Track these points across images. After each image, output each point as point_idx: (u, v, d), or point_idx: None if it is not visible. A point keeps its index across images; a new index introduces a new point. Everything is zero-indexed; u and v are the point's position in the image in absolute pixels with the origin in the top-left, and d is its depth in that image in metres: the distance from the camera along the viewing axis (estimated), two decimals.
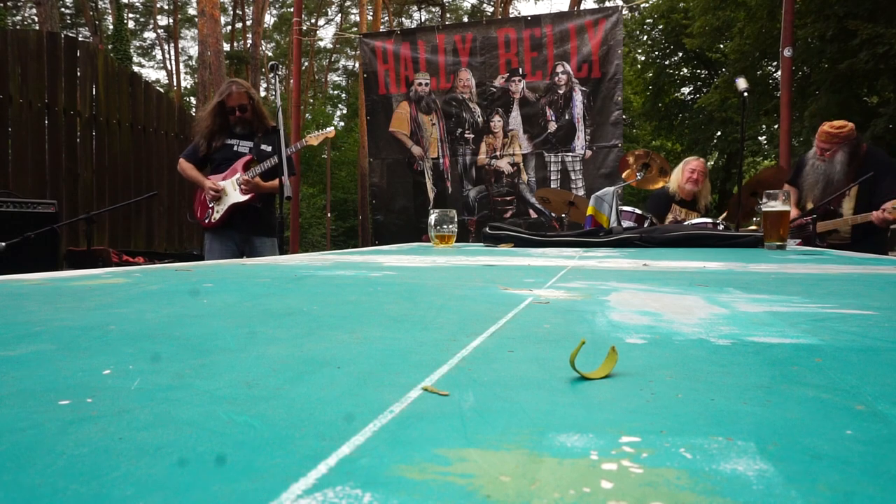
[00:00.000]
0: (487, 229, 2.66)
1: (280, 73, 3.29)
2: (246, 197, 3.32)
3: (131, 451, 0.25)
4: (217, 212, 3.38)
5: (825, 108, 10.64)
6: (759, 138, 17.11)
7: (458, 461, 0.25)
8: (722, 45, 15.64)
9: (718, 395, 0.35)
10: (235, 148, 3.43)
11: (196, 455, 0.25)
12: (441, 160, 6.01)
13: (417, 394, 0.34)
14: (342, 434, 0.28)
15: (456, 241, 2.76)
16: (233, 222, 3.39)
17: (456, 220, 2.63)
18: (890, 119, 10.17)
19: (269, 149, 3.40)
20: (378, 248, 2.77)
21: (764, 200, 2.44)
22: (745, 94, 3.63)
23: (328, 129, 3.62)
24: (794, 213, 3.42)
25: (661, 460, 0.25)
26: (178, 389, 0.35)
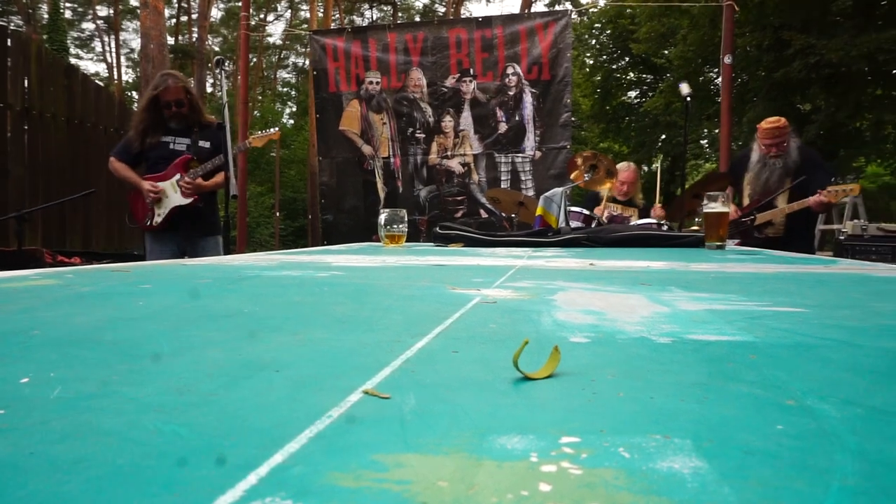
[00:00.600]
0: (438, 229, 2.66)
1: (226, 68, 3.20)
2: (189, 199, 3.21)
3: (43, 466, 0.24)
4: (158, 214, 3.25)
5: (762, 114, 11.09)
6: (702, 142, 17.73)
7: (395, 467, 0.24)
8: (667, 51, 16.13)
9: (658, 393, 0.36)
10: (172, 146, 3.29)
11: (115, 469, 0.23)
12: (392, 159, 5.97)
13: (358, 397, 0.34)
14: (276, 441, 0.26)
15: (407, 241, 2.75)
16: (175, 225, 3.27)
17: (406, 219, 2.62)
18: (820, 125, 10.69)
19: (207, 145, 3.27)
20: (327, 247, 2.73)
21: (705, 202, 2.52)
22: (688, 98, 3.75)
23: (273, 129, 3.52)
24: (732, 207, 3.57)
25: (600, 460, 0.25)
26: (102, 398, 0.33)
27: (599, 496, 0.22)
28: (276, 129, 3.52)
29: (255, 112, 26.53)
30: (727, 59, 5.89)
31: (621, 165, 4.16)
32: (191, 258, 2.31)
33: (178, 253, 3.30)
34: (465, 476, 0.23)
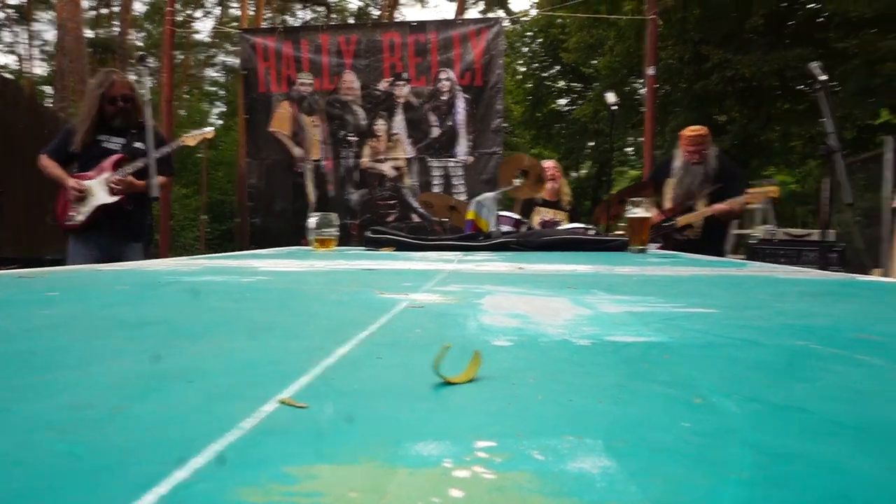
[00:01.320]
0: (369, 233, 2.64)
1: (150, 65, 3.07)
2: (115, 198, 3.05)
3: None
4: (81, 213, 3.07)
5: (683, 123, 11.61)
6: (627, 150, 18.41)
7: (306, 479, 0.23)
8: (595, 61, 16.67)
9: (576, 395, 0.36)
10: (104, 144, 3.13)
11: None
12: (323, 162, 5.88)
13: (273, 407, 0.33)
14: (181, 457, 0.25)
15: (338, 245, 2.71)
16: (99, 225, 3.10)
17: (337, 223, 2.58)
18: (735, 136, 11.32)
19: (142, 146, 3.14)
20: (255, 251, 2.66)
21: (628, 208, 2.62)
22: (614, 107, 3.89)
23: (207, 129, 3.39)
24: (655, 211, 3.74)
25: (514, 464, 0.25)
26: None
27: (510, 500, 0.22)
28: (210, 128, 3.38)
29: (181, 111, 25.51)
30: (650, 71, 6.15)
31: (544, 161, 4.31)
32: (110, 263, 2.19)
33: (100, 257, 3.12)
34: (377, 485, 0.23)
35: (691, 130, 3.76)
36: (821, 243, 2.81)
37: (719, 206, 3.51)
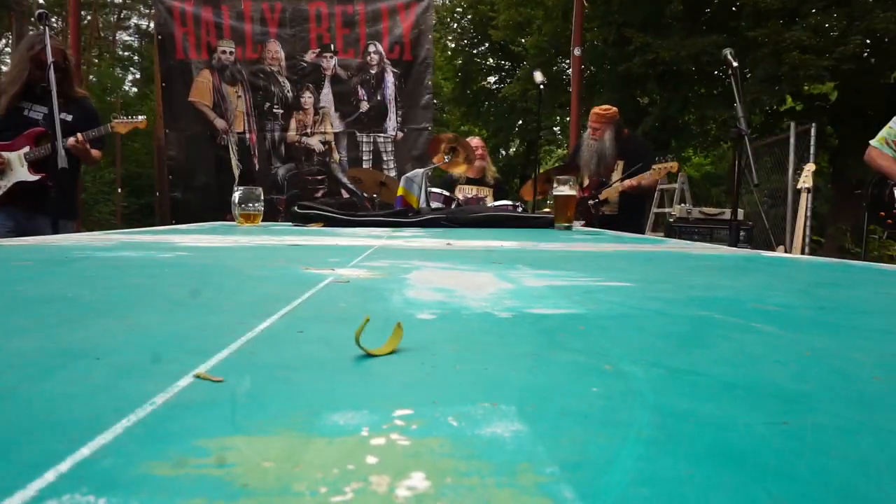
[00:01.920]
0: (296, 208, 2.58)
1: (53, 24, 2.85)
2: (36, 177, 2.88)
3: None
4: (1, 187, 2.88)
5: (608, 104, 11.97)
6: (554, 129, 18.76)
7: (219, 451, 0.23)
8: (523, 40, 16.81)
9: (493, 364, 0.37)
10: (26, 112, 2.91)
11: None
12: (247, 135, 5.67)
13: (188, 382, 0.32)
14: (86, 434, 0.24)
15: (264, 221, 2.64)
16: (15, 201, 2.91)
17: (262, 198, 2.51)
18: (655, 118, 11.76)
19: (69, 118, 2.94)
20: (175, 227, 2.55)
21: (555, 186, 2.68)
22: (542, 86, 3.95)
23: (140, 117, 3.21)
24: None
25: (429, 430, 0.26)
26: None
27: (423, 464, 0.22)
28: (143, 117, 3.22)
29: (91, 77, 23.86)
30: (577, 51, 6.27)
31: (470, 139, 4.34)
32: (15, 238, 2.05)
33: (16, 231, 2.93)
34: (293, 455, 0.23)
35: (598, 108, 3.93)
36: (730, 222, 2.98)
37: (627, 182, 3.66)
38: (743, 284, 0.82)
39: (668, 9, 11.00)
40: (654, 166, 3.59)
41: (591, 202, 3.77)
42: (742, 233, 5.31)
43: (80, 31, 7.36)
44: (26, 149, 2.89)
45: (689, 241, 2.64)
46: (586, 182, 3.92)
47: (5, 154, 2.86)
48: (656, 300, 0.65)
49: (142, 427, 0.25)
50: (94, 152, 3.06)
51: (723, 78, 10.72)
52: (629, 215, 3.88)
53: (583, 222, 3.57)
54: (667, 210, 6.96)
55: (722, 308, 0.60)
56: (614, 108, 3.91)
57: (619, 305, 0.61)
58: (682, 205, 6.02)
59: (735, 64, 2.66)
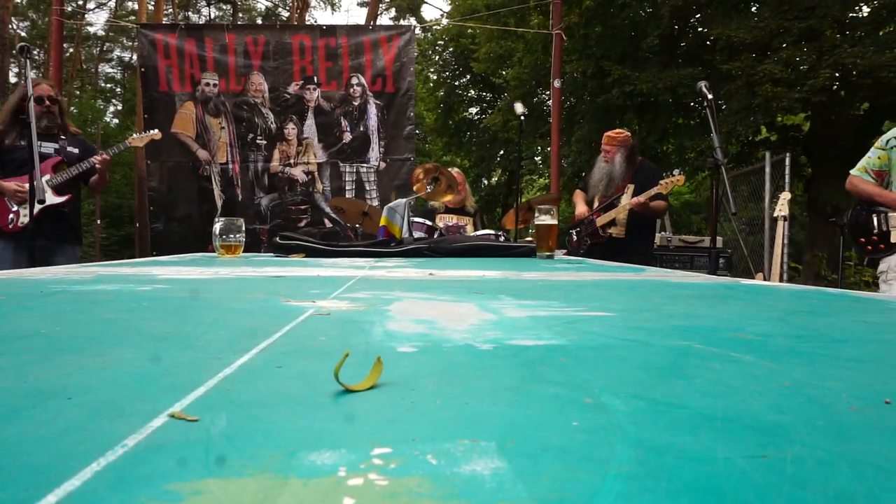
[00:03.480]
0: (278, 239, 2.57)
1: (35, 57, 2.91)
2: (62, 198, 3.09)
3: None
4: (24, 215, 2.98)
5: (587, 135, 12.18)
6: (535, 158, 18.99)
7: (191, 495, 0.23)
8: (504, 72, 17.11)
9: (473, 398, 0.37)
10: (40, 149, 3.03)
11: None
12: (230, 166, 5.67)
13: (162, 422, 0.31)
14: (53, 479, 0.24)
15: (248, 252, 2.62)
16: (41, 227, 3.01)
17: (243, 228, 2.50)
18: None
19: (76, 151, 3.22)
20: (154, 258, 2.52)
21: (537, 215, 2.70)
22: (523, 117, 4.01)
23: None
24: (584, 209, 4.04)
25: (408, 469, 0.25)
26: None
27: None
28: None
29: (73, 108, 23.78)
30: (556, 83, 6.39)
31: (450, 169, 4.39)
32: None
33: (31, 262, 2.95)
34: (268, 498, 0.22)
35: (613, 132, 4.03)
36: (710, 249, 3.02)
37: (635, 199, 3.71)
38: (722, 313, 0.83)
39: (644, 42, 11.29)
40: (661, 181, 3.67)
41: (586, 219, 3.86)
42: (721, 260, 5.38)
43: (63, 64, 7.35)
44: (47, 176, 3.07)
45: (669, 270, 2.67)
46: (596, 204, 3.99)
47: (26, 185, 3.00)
48: (637, 330, 0.66)
49: (112, 471, 0.25)
50: (94, 179, 3.30)
51: (699, 109, 10.98)
52: (638, 237, 3.93)
53: (564, 251, 3.60)
54: None
55: (702, 337, 0.61)
56: (626, 133, 4.04)
57: (600, 336, 0.61)
58: (663, 233, 6.09)
59: (710, 96, 2.73)
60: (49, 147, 3.16)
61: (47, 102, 3.10)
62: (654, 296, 1.08)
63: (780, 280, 5.33)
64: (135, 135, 3.41)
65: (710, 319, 0.76)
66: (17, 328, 0.63)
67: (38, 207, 2.94)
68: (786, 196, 5.15)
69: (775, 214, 5.13)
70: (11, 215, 3.07)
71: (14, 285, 1.09)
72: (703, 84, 2.80)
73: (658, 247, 5.72)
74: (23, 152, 3.01)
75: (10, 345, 0.53)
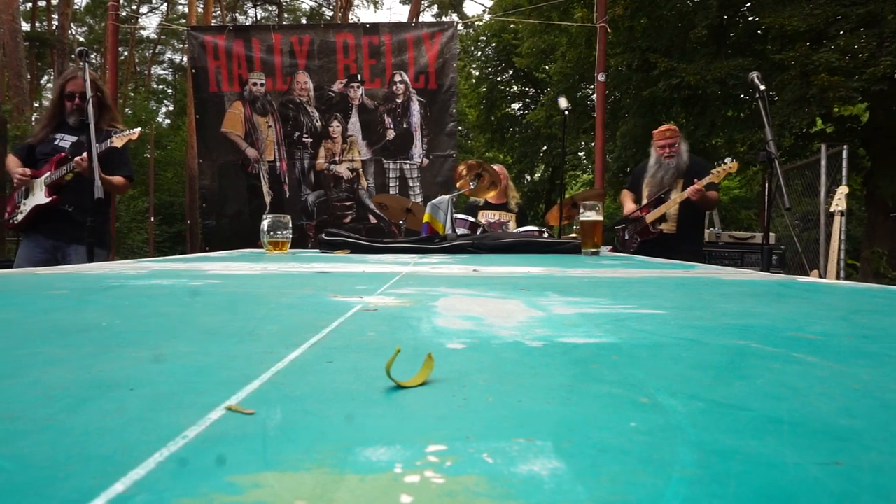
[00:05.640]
0: (323, 235, 2.61)
1: (92, 61, 3.00)
2: (47, 199, 2.96)
3: None
4: (20, 212, 3.01)
5: (632, 129, 11.95)
6: (579, 153, 18.77)
7: (251, 488, 0.23)
8: (547, 67, 16.94)
9: (526, 396, 0.37)
10: (57, 142, 3.07)
11: None
12: (278, 163, 5.79)
13: (219, 414, 0.32)
14: (119, 468, 0.24)
15: (295, 247, 2.67)
16: (38, 226, 3.02)
17: (290, 225, 2.54)
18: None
19: (98, 146, 3.11)
20: (204, 254, 2.59)
21: (581, 211, 2.66)
22: (566, 112, 3.96)
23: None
24: (633, 207, 3.98)
25: (464, 468, 0.25)
26: None
27: None
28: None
29: (127, 110, 24.68)
30: (601, 77, 6.28)
31: (493, 165, 4.38)
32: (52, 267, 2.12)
33: (45, 260, 3.03)
34: (325, 492, 0.22)
35: (663, 126, 3.96)
36: (762, 246, 2.92)
37: (691, 188, 3.63)
38: (780, 311, 0.80)
39: (691, 33, 10.99)
40: (713, 170, 3.59)
41: (635, 214, 3.81)
42: (774, 257, 5.20)
43: (118, 67, 7.63)
44: (48, 173, 3.01)
45: (719, 267, 2.60)
46: (645, 200, 3.93)
47: (33, 179, 3.01)
48: (690, 328, 0.64)
49: (174, 462, 0.25)
50: (117, 179, 3.14)
51: (750, 101, 10.63)
52: (689, 231, 3.86)
53: (610, 248, 3.54)
54: None
55: (759, 336, 0.59)
56: (674, 125, 3.99)
57: (651, 334, 0.60)
58: (711, 229, 5.92)
59: (762, 87, 2.63)
60: (67, 141, 3.08)
61: (77, 99, 3.07)
62: (705, 293, 1.05)
63: (837, 278, 5.12)
64: (115, 135, 3.32)
65: (767, 318, 0.73)
66: (80, 321, 0.65)
67: (31, 206, 3.00)
68: (843, 190, 4.94)
69: (832, 209, 4.93)
70: (17, 210, 3.05)
71: (77, 280, 1.13)
72: (755, 75, 2.71)
73: (706, 243, 5.57)
74: (47, 146, 3.06)
75: (74, 337, 0.55)
